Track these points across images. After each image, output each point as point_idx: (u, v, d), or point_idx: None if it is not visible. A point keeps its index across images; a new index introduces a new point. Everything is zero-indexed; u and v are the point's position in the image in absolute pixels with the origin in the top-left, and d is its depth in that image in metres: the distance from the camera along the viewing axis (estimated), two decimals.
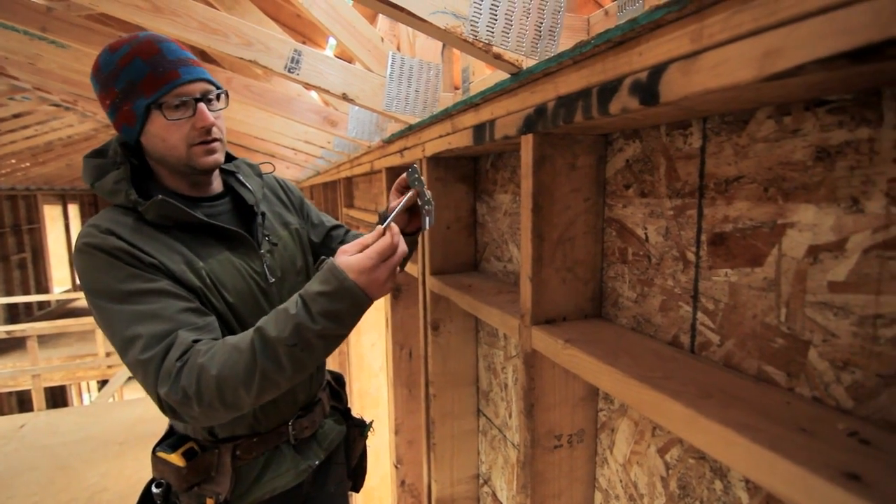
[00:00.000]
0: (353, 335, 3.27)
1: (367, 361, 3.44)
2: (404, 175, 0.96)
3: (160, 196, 0.83)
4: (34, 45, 2.13)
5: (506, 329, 0.98)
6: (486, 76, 1.35)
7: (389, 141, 1.73)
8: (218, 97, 0.91)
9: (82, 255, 0.80)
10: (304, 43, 3.34)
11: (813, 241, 0.53)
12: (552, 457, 0.91)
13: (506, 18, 0.75)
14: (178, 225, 0.88)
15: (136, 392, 8.65)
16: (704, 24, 0.46)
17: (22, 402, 8.30)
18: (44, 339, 7.44)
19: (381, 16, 2.13)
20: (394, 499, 2.13)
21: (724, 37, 0.44)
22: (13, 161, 7.62)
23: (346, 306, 0.75)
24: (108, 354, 6.57)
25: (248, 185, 1.01)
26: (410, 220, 0.98)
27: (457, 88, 1.62)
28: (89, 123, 6.28)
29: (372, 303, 0.78)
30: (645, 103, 0.54)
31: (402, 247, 0.80)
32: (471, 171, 1.42)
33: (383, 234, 0.79)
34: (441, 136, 1.24)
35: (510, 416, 1.33)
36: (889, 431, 0.47)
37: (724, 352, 0.65)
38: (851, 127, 0.49)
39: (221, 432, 0.95)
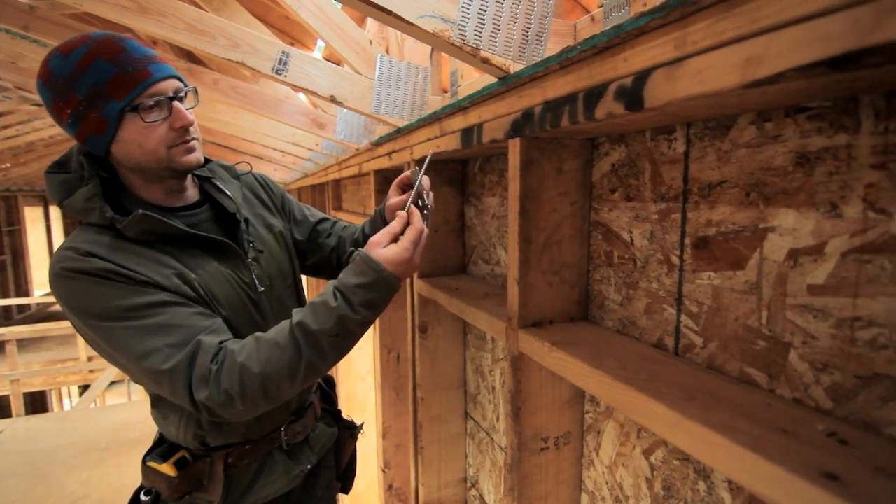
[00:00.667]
0: None
1: (355, 365, 3.42)
2: (407, 173, 0.95)
3: (140, 211, 0.78)
4: (16, 45, 2.09)
5: (493, 332, 0.98)
6: (474, 80, 1.35)
7: (378, 143, 1.73)
8: (186, 94, 0.86)
9: (64, 281, 0.75)
10: (292, 45, 3.33)
11: (793, 244, 0.54)
12: (539, 459, 0.91)
13: (493, 23, 0.75)
14: (162, 238, 0.83)
15: (119, 397, 8.50)
16: (688, 32, 0.47)
17: (0, 407, 8.10)
18: (23, 344, 7.27)
19: (369, 18, 2.13)
20: (381, 503, 2.12)
21: (707, 44, 0.45)
22: None
23: (383, 294, 0.79)
24: (89, 359, 6.45)
25: (226, 190, 0.97)
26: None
27: (445, 92, 1.62)
28: None
29: (401, 287, 0.83)
30: (630, 109, 0.55)
31: (426, 231, 0.84)
32: (459, 175, 1.42)
33: (408, 220, 0.83)
34: (429, 139, 1.24)
35: (497, 418, 1.33)
36: (866, 432, 0.48)
37: (708, 354, 0.66)
38: (830, 133, 0.51)
39: (214, 440, 0.93)
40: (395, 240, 0.82)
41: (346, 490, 1.26)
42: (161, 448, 0.94)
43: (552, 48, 0.74)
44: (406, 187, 0.97)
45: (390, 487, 2.08)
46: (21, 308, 9.98)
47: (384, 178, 1.92)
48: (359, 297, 0.77)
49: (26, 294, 10.36)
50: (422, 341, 1.46)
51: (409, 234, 0.81)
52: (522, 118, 0.80)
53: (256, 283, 0.94)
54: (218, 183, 0.97)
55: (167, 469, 0.91)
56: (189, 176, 0.93)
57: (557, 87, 0.69)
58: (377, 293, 0.78)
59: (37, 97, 4.81)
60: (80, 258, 0.75)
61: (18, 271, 10.49)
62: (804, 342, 0.54)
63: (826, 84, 0.42)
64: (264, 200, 1.07)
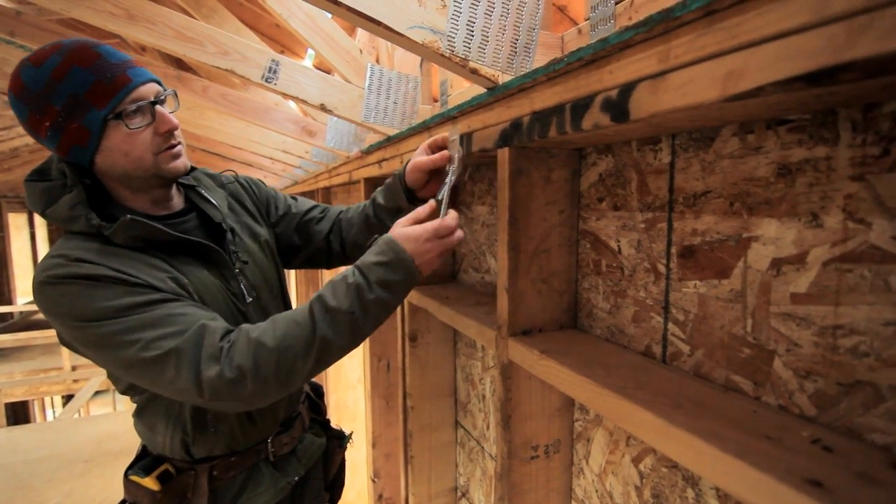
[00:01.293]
0: None
1: (345, 373, 3.39)
2: (445, 134, 0.90)
3: (128, 216, 0.76)
4: (1, 49, 2.06)
5: (483, 340, 0.99)
6: (463, 90, 1.36)
7: (368, 152, 1.73)
8: (166, 98, 0.84)
9: (53, 288, 0.72)
10: (282, 53, 3.33)
11: (776, 254, 0.55)
12: (529, 468, 0.91)
13: (482, 35, 0.76)
14: (151, 244, 0.81)
15: (104, 407, 8.35)
16: (671, 46, 0.48)
17: None
18: (5, 353, 7.12)
19: (360, 28, 2.14)
20: None
21: (690, 58, 0.46)
22: None
23: (400, 277, 0.77)
24: (73, 368, 6.33)
25: (211, 199, 0.95)
26: (428, 183, 0.95)
27: (435, 101, 1.63)
28: None
29: (420, 279, 0.81)
30: (616, 120, 0.56)
31: (459, 233, 0.82)
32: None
33: (441, 213, 0.82)
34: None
35: (488, 427, 1.32)
36: (850, 438, 0.49)
37: (694, 362, 0.67)
38: (810, 145, 0.52)
39: (199, 451, 0.91)
40: (419, 222, 0.81)
41: (334, 501, 1.24)
42: (144, 461, 0.92)
43: (540, 59, 0.75)
44: (438, 150, 0.92)
45: (380, 497, 2.06)
46: (3, 316, 9.78)
47: (374, 187, 1.92)
48: (375, 274, 0.76)
49: (9, 302, 10.16)
50: (412, 350, 1.45)
51: (435, 222, 0.80)
52: (511, 128, 0.81)
53: (245, 293, 0.93)
54: (203, 192, 0.95)
55: (150, 483, 0.89)
56: (174, 184, 0.92)
57: (545, 97, 0.70)
58: (394, 274, 0.77)
59: None
60: (71, 264, 0.73)
61: (1, 279, 10.30)
62: (788, 350, 0.55)
63: (805, 98, 0.43)
64: (249, 209, 1.05)
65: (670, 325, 0.71)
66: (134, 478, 0.90)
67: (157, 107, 0.80)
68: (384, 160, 1.57)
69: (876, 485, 0.41)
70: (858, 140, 0.48)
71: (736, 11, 0.41)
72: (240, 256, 0.95)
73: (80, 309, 0.72)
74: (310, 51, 3.21)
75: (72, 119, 0.75)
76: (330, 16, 1.43)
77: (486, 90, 0.86)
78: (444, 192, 0.84)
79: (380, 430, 2.05)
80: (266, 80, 1.45)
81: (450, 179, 0.85)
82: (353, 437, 1.27)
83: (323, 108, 1.50)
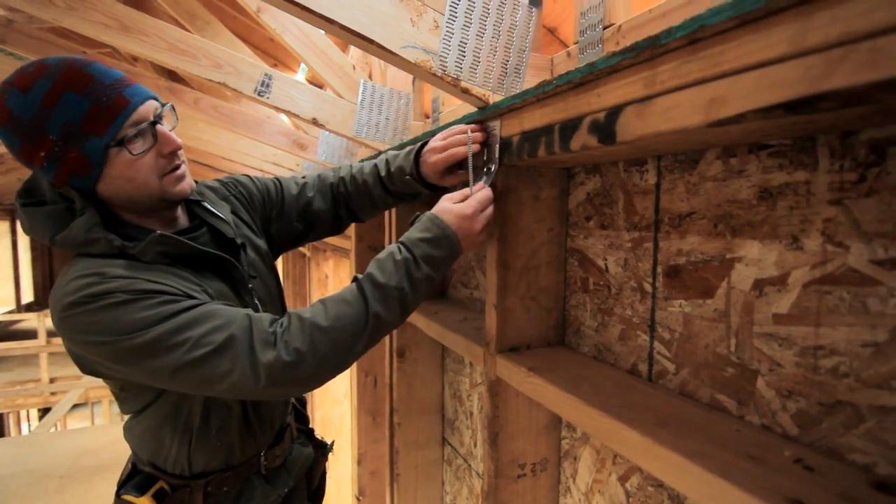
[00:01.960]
0: None
1: (331, 388, 3.35)
2: (477, 126, 0.87)
3: (158, 232, 0.76)
4: None
5: (471, 357, 0.98)
6: (455, 107, 1.38)
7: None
8: (164, 114, 0.81)
9: (88, 307, 0.69)
10: (275, 66, 3.35)
11: (758, 275, 0.57)
12: (516, 486, 0.90)
13: (473, 55, 0.77)
14: (176, 260, 0.80)
15: (81, 420, 8.12)
16: (657, 72, 0.49)
17: None
18: None
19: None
20: None
21: (674, 84, 0.47)
22: None
23: (444, 253, 0.79)
24: (52, 380, 6.17)
25: (218, 213, 0.93)
26: (445, 175, 0.93)
27: (427, 117, 1.65)
28: None
29: (461, 255, 0.82)
30: (603, 142, 0.57)
31: (491, 209, 0.84)
32: (429, 194, 1.44)
33: (472, 184, 0.83)
34: None
35: (475, 444, 1.31)
36: (831, 458, 0.50)
37: (680, 380, 0.67)
38: (790, 170, 0.53)
39: (196, 465, 0.89)
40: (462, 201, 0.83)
41: None
42: (136, 480, 0.90)
43: (530, 81, 0.77)
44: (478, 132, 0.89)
45: None
46: None
47: None
48: (421, 250, 0.77)
49: None
50: (399, 365, 1.45)
51: (479, 195, 0.82)
52: (502, 147, 0.82)
53: (260, 308, 0.93)
54: (209, 206, 0.94)
55: (145, 502, 0.86)
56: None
57: (535, 118, 0.71)
58: (440, 250, 0.78)
59: None
60: (107, 281, 0.71)
61: None
62: (771, 370, 0.56)
63: (784, 125, 0.45)
64: (246, 221, 1.04)
65: (656, 344, 0.71)
66: (128, 497, 0.88)
67: (158, 126, 0.78)
68: None
69: None
70: (836, 166, 0.49)
71: (718, 41, 0.42)
72: (250, 271, 0.95)
73: (123, 322, 0.70)
74: (303, 65, 3.24)
75: (70, 148, 0.72)
76: (323, 32, 1.45)
77: (476, 109, 0.87)
78: (494, 171, 0.85)
79: (365, 446, 2.02)
80: (259, 94, 1.46)
81: (490, 168, 0.85)
82: (334, 447, 1.26)
83: (315, 122, 1.50)
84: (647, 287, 0.73)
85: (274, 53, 3.31)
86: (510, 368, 0.82)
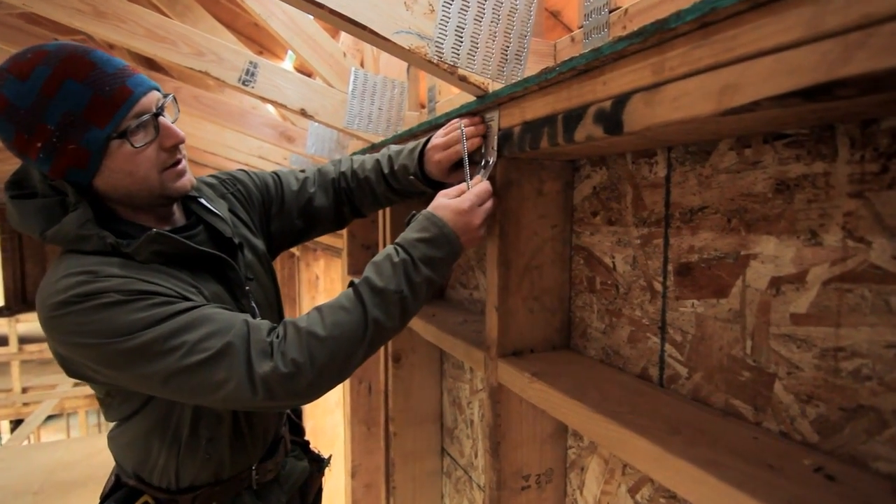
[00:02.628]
0: None
1: (323, 396, 3.35)
2: (478, 118, 0.88)
3: (154, 230, 0.76)
4: None
5: (471, 362, 0.99)
6: (452, 97, 1.38)
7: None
8: (166, 105, 0.82)
9: (80, 306, 0.70)
10: (261, 54, 3.34)
11: (775, 272, 0.57)
12: (520, 499, 0.91)
13: (471, 41, 0.77)
14: (171, 260, 0.80)
15: (56, 433, 8.11)
16: (666, 57, 0.49)
17: None
18: None
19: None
20: None
21: (684, 70, 0.47)
22: None
23: (444, 253, 0.79)
24: (24, 390, 6.16)
25: (216, 210, 0.94)
26: (451, 171, 0.94)
27: (423, 107, 1.65)
28: None
29: (462, 252, 0.82)
30: (609, 132, 0.57)
31: (491, 203, 0.84)
32: (435, 194, 1.44)
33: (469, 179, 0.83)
34: None
35: (476, 455, 1.31)
36: (853, 466, 0.50)
37: (693, 385, 0.68)
38: (808, 161, 0.53)
39: (184, 479, 0.90)
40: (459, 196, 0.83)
41: None
42: (119, 494, 0.90)
43: (532, 68, 0.77)
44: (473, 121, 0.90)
45: None
46: None
47: None
48: (419, 251, 0.78)
49: None
50: (395, 371, 1.45)
51: (476, 189, 0.82)
52: (501, 138, 0.82)
53: (257, 311, 0.93)
54: (206, 203, 0.94)
55: None
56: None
57: (536, 107, 0.71)
58: (438, 250, 0.79)
59: None
60: (99, 279, 0.71)
61: None
62: (789, 373, 0.56)
63: (801, 113, 0.45)
64: (244, 220, 1.04)
65: (667, 347, 0.71)
66: None
67: (161, 118, 0.79)
68: None
69: None
70: (857, 156, 0.49)
71: (731, 24, 0.42)
72: (247, 273, 0.95)
73: (115, 324, 0.70)
74: (290, 52, 3.23)
75: (68, 139, 0.72)
76: (312, 17, 1.44)
77: (475, 98, 0.87)
78: (481, 174, 0.85)
79: (360, 458, 2.02)
80: (243, 83, 1.45)
81: (488, 162, 0.86)
82: (331, 461, 1.26)
83: (303, 113, 1.50)
84: (658, 286, 0.73)
85: (259, 40, 3.30)
86: (512, 374, 0.82)
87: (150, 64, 3.04)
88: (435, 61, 0.78)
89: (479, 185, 0.83)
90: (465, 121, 0.89)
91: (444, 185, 0.98)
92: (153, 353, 0.70)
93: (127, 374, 0.73)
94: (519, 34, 0.79)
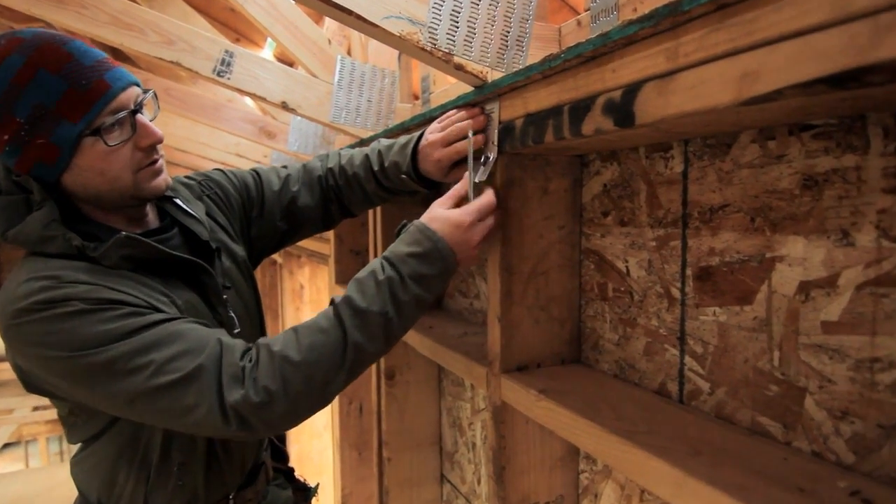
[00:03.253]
0: None
1: (309, 419, 3.34)
2: (478, 110, 0.88)
3: (123, 233, 0.76)
4: None
5: (472, 378, 0.99)
6: (448, 87, 1.39)
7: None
8: (144, 102, 0.83)
9: (41, 314, 0.70)
10: (237, 41, 3.35)
11: (804, 276, 0.57)
12: None
13: (468, 26, 0.78)
14: (141, 265, 0.81)
15: (14, 462, 8.05)
16: (680, 42, 0.50)
17: None
18: None
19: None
20: None
21: (701, 56, 0.47)
22: None
23: (437, 271, 0.79)
24: None
25: (192, 212, 0.94)
26: (451, 170, 0.94)
27: (416, 99, 1.66)
28: None
29: (457, 270, 0.82)
30: (620, 124, 0.57)
31: (491, 220, 0.83)
32: (432, 193, 1.44)
33: (481, 190, 0.82)
34: None
35: (479, 481, 1.31)
36: (893, 489, 0.50)
37: (716, 401, 0.68)
38: (837, 154, 0.54)
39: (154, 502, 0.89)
40: (458, 205, 0.82)
41: None
42: None
43: (535, 55, 0.77)
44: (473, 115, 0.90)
45: None
46: None
47: None
48: (409, 267, 0.77)
49: None
50: (389, 390, 1.44)
51: (479, 201, 0.81)
52: (502, 132, 0.82)
53: (236, 321, 0.94)
54: (182, 203, 0.95)
55: None
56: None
57: (540, 98, 0.72)
58: (430, 267, 0.78)
59: None
60: (63, 286, 0.72)
61: None
62: (821, 387, 0.56)
63: (829, 102, 0.45)
64: (222, 224, 1.04)
65: (687, 359, 0.72)
66: None
67: (138, 116, 0.80)
68: None
69: None
70: (891, 148, 0.50)
71: (751, 6, 0.43)
72: (224, 281, 0.95)
73: (80, 335, 0.71)
74: (270, 40, 3.24)
75: (37, 133, 0.74)
76: (293, 0, 1.45)
77: (473, 88, 0.87)
78: (480, 172, 0.85)
79: (350, 486, 2.02)
80: (218, 74, 1.46)
81: (488, 158, 0.85)
82: (319, 490, 1.25)
83: (285, 106, 1.50)
84: (676, 293, 0.73)
85: (235, 27, 3.31)
86: (518, 391, 0.82)
87: (116, 54, 3.04)
88: (428, 48, 0.78)
89: (482, 198, 0.82)
90: (463, 113, 0.89)
91: (438, 185, 0.98)
92: (118, 371, 0.71)
93: (89, 392, 0.74)
94: (520, 18, 0.79)
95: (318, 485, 1.26)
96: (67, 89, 0.73)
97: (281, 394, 0.72)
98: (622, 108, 0.57)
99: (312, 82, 1.52)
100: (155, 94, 0.85)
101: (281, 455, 1.20)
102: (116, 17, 1.41)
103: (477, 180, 0.86)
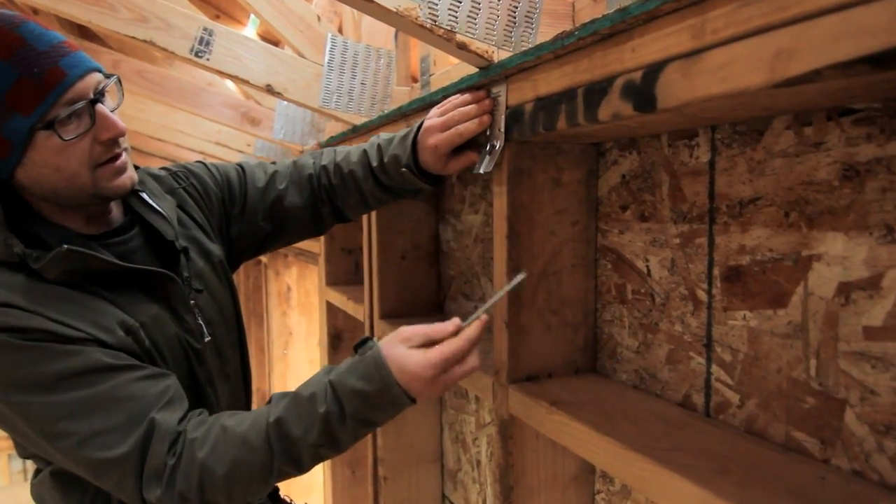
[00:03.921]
0: None
1: None
2: (483, 93, 0.87)
3: (65, 246, 0.75)
4: None
5: (476, 390, 0.99)
6: (450, 68, 1.38)
7: (328, 146, 1.74)
8: (107, 89, 0.83)
9: None
10: (217, 18, 3.35)
11: (843, 276, 0.57)
12: None
13: (472, 1, 0.77)
14: (89, 276, 0.80)
15: None
16: (707, 18, 0.49)
17: None
18: None
19: None
20: None
21: (730, 33, 0.47)
22: None
23: (385, 413, 0.81)
24: None
25: (159, 208, 0.94)
26: (451, 159, 0.93)
27: (415, 82, 1.65)
28: None
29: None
30: (640, 109, 0.57)
31: (474, 360, 0.79)
32: (433, 189, 1.44)
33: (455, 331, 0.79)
34: None
35: (484, 502, 1.31)
36: None
37: (746, 414, 0.68)
38: (881, 141, 0.54)
39: None
40: (429, 344, 0.78)
41: None
42: None
43: (545, 32, 0.77)
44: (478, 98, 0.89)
45: None
46: None
47: None
48: (353, 406, 0.77)
49: None
50: None
51: (446, 348, 0.76)
52: (510, 118, 0.82)
53: (205, 329, 0.94)
54: (148, 199, 0.94)
55: None
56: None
57: (552, 80, 0.72)
58: (379, 412, 0.80)
59: None
60: None
61: None
62: (862, 399, 0.56)
63: (872, 83, 0.45)
64: (197, 220, 1.04)
65: (714, 368, 0.72)
66: None
67: (98, 106, 0.79)
68: None
69: None
70: None
71: None
72: (193, 284, 0.95)
73: (3, 374, 0.73)
74: (253, 17, 3.24)
75: None
76: None
77: (477, 70, 0.87)
78: (486, 161, 0.85)
79: None
80: (196, 55, 1.45)
81: (493, 146, 0.84)
82: None
83: (269, 89, 1.50)
84: (702, 295, 0.73)
85: (216, 2, 3.31)
86: (527, 403, 0.82)
87: (83, 32, 3.05)
88: (428, 26, 0.78)
89: (457, 341, 0.77)
90: (467, 96, 0.88)
91: (441, 180, 0.97)
92: (41, 425, 0.74)
93: (10, 432, 0.78)
94: None
95: None
96: (18, 78, 0.73)
97: (196, 502, 0.76)
98: (643, 91, 0.57)
99: (300, 63, 1.52)
100: (119, 81, 0.85)
101: None
102: None
103: (482, 170, 0.85)
